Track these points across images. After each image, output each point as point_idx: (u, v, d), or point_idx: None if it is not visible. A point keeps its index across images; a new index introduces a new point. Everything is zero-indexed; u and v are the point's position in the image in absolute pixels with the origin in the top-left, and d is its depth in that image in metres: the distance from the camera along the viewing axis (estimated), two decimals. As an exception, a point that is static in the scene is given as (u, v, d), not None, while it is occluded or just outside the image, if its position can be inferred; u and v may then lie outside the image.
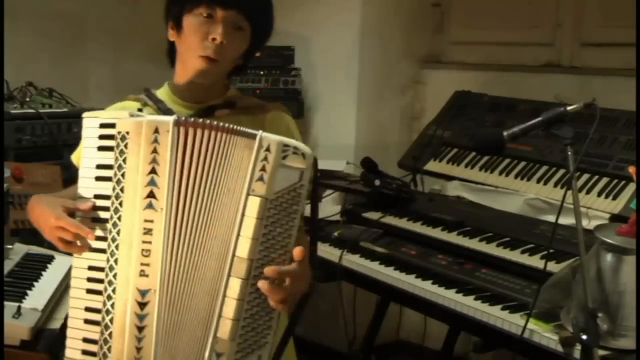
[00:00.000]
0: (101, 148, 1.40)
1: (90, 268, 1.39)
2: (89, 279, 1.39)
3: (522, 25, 3.27)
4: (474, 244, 2.43)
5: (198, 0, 1.51)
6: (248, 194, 1.30)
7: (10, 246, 2.12)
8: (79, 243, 1.39)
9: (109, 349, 1.34)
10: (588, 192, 2.42)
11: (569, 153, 1.68)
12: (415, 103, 3.63)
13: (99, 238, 1.38)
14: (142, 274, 1.32)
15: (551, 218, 2.35)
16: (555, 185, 2.53)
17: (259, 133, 1.32)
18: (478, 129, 2.88)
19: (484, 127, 2.88)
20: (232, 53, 1.56)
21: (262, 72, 3.42)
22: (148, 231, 1.32)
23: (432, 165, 2.94)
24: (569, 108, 1.72)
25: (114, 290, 1.34)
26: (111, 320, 1.34)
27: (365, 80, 3.43)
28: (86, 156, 1.42)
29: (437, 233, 2.55)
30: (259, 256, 1.31)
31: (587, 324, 1.58)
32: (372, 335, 3.11)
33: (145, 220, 1.32)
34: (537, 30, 3.24)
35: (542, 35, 3.21)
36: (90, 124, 1.43)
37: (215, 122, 1.35)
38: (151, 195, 1.32)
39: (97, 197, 1.39)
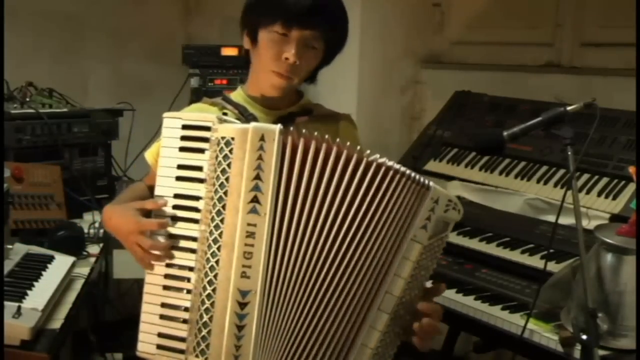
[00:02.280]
0: (183, 149, 1.43)
1: (169, 265, 1.42)
2: (167, 276, 1.42)
3: (522, 25, 3.26)
4: (474, 244, 2.43)
5: (274, 18, 1.53)
6: (411, 239, 1.40)
7: (10, 246, 2.12)
8: (157, 253, 1.41)
9: (207, 346, 1.37)
10: (588, 192, 2.41)
11: (569, 153, 1.68)
12: (415, 103, 3.63)
13: (179, 237, 1.41)
14: (244, 275, 1.36)
15: (551, 218, 2.35)
16: (555, 185, 2.53)
17: (432, 185, 1.42)
18: (478, 129, 2.88)
19: (484, 127, 2.88)
20: (305, 70, 1.60)
21: (262, 72, 3.42)
22: (250, 234, 1.36)
23: (432, 165, 2.93)
24: (569, 108, 1.72)
25: (214, 290, 1.37)
26: (210, 319, 1.37)
27: (365, 80, 3.43)
28: (165, 156, 1.45)
29: (437, 233, 2.55)
30: (403, 294, 1.42)
31: (587, 324, 1.58)
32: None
33: (248, 224, 1.36)
34: (537, 30, 3.23)
35: (542, 35, 3.21)
36: (172, 124, 1.45)
37: (329, 139, 1.39)
38: (255, 200, 1.36)
39: (177, 196, 1.42)
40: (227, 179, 1.37)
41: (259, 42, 1.57)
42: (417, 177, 1.42)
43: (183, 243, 1.42)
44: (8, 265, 1.98)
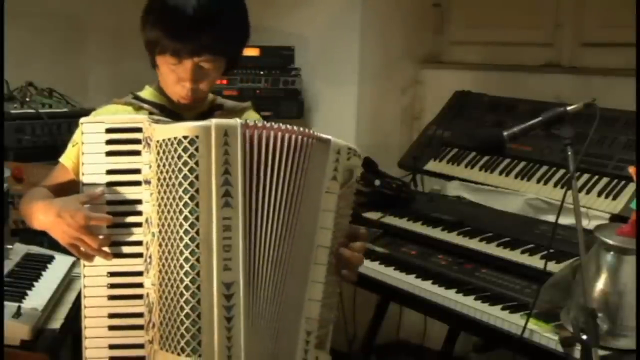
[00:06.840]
0: (111, 153, 1.42)
1: (112, 274, 1.43)
2: (111, 285, 1.42)
3: (522, 25, 3.26)
4: (474, 244, 2.43)
5: (163, 48, 1.53)
6: (326, 192, 1.46)
7: (10, 246, 2.12)
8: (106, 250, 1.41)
9: (199, 344, 1.37)
10: (588, 192, 2.42)
11: (569, 153, 1.68)
12: (415, 103, 3.63)
13: (121, 243, 1.42)
14: (226, 267, 1.37)
15: (551, 218, 2.35)
16: (555, 185, 2.53)
17: (331, 139, 1.47)
18: (478, 129, 2.88)
19: (484, 127, 2.88)
20: (207, 84, 1.60)
21: (261, 72, 3.42)
22: (227, 228, 1.37)
23: (432, 165, 2.94)
24: (569, 108, 1.72)
25: (198, 288, 1.37)
26: (199, 316, 1.37)
27: (365, 80, 3.43)
28: (89, 163, 1.43)
29: (437, 233, 2.55)
30: (331, 244, 1.48)
31: (587, 324, 1.58)
32: (372, 335, 3.11)
33: (224, 218, 1.37)
34: (537, 30, 3.23)
35: (542, 35, 3.21)
36: (92, 129, 1.44)
37: (282, 125, 1.43)
38: (227, 194, 1.37)
39: (111, 203, 1.42)
40: (196, 177, 1.36)
41: (158, 66, 1.58)
42: (318, 134, 1.46)
43: (128, 249, 1.42)
44: (8, 265, 1.98)
